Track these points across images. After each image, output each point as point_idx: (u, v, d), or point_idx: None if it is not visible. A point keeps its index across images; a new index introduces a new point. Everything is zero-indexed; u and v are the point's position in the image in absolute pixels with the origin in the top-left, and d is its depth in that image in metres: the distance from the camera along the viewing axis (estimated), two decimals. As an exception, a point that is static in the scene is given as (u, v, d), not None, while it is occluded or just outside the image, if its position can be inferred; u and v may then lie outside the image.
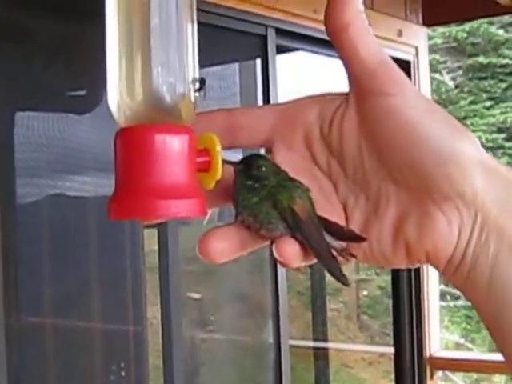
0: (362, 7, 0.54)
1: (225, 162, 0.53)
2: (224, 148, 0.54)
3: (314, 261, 0.55)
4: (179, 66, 0.51)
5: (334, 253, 0.55)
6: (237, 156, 0.56)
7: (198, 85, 0.52)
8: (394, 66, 0.54)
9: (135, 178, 0.49)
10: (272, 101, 3.48)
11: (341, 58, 0.55)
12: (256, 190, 0.54)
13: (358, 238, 0.55)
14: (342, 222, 0.56)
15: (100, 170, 3.03)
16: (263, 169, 0.54)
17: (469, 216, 0.51)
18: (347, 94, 0.56)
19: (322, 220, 0.54)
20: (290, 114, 0.57)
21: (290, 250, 0.53)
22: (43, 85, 2.89)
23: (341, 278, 0.54)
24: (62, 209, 2.98)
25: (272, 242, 0.54)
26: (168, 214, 0.49)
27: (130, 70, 0.51)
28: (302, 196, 0.54)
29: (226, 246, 0.54)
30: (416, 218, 0.53)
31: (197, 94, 0.53)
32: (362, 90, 0.54)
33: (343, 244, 0.55)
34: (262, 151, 0.60)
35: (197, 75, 0.53)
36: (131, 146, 0.50)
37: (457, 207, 0.51)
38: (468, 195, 0.51)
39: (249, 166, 0.54)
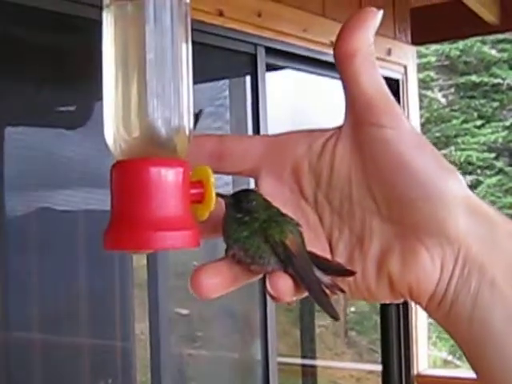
0: (372, 39, 0.55)
1: (217, 194, 0.54)
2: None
3: (305, 295, 0.55)
4: (175, 101, 0.52)
5: (324, 287, 0.55)
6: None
7: (195, 117, 0.53)
8: (392, 99, 0.55)
9: (131, 210, 0.50)
10: (261, 118, 3.49)
11: (342, 84, 0.56)
12: (246, 224, 0.54)
13: (346, 272, 0.55)
14: (327, 255, 0.57)
15: (89, 185, 3.03)
16: (254, 203, 0.54)
17: (451, 253, 0.52)
18: (340, 127, 0.56)
19: (311, 254, 0.55)
20: (279, 145, 0.58)
21: (284, 285, 0.54)
22: (33, 99, 2.89)
23: (332, 313, 0.54)
24: (51, 223, 2.98)
25: (264, 277, 0.55)
26: (164, 245, 0.50)
27: (126, 104, 0.52)
28: (293, 231, 0.54)
29: (217, 281, 0.54)
30: (399, 253, 0.54)
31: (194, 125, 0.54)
32: (358, 119, 0.55)
33: (332, 278, 0.56)
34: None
35: (191, 107, 0.54)
36: (127, 178, 0.51)
37: (440, 244, 0.52)
38: (451, 232, 0.52)
39: (239, 200, 0.54)
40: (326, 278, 0.55)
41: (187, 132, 0.53)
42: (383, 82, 0.56)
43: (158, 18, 0.52)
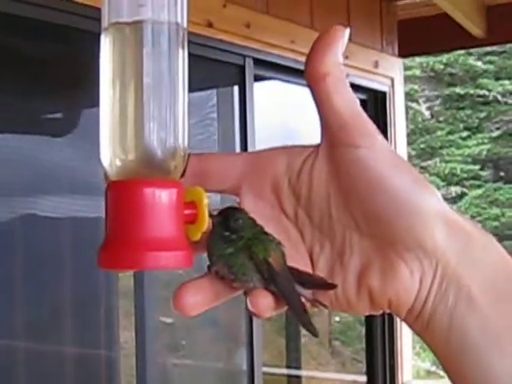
0: (341, 59, 0.56)
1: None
2: None
3: (285, 309, 0.56)
4: (171, 124, 0.53)
5: (305, 301, 0.56)
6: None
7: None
8: (366, 118, 0.56)
9: (125, 230, 0.51)
10: (249, 128, 3.50)
11: (316, 105, 0.57)
12: (232, 242, 0.55)
13: (327, 286, 0.57)
14: (308, 270, 0.58)
15: (74, 192, 3.03)
16: (240, 221, 0.55)
17: (430, 267, 0.53)
18: (317, 145, 0.57)
19: (292, 269, 0.56)
20: (259, 163, 0.59)
21: (264, 302, 0.55)
22: (19, 106, 2.89)
23: (311, 330, 0.56)
24: (35, 230, 2.97)
25: (245, 293, 0.56)
26: (157, 265, 0.51)
27: (123, 127, 0.53)
28: (276, 249, 0.56)
29: (199, 299, 0.55)
30: (379, 268, 0.55)
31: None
32: (333, 140, 0.56)
33: (313, 292, 0.57)
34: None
35: (187, 129, 0.55)
36: (122, 199, 0.52)
37: (418, 258, 0.53)
38: (429, 247, 0.53)
39: (226, 218, 0.55)
40: (307, 293, 0.56)
41: (183, 154, 0.54)
42: (356, 100, 0.56)
43: (155, 41, 0.53)
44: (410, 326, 0.56)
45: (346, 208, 0.56)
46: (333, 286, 0.56)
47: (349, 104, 0.56)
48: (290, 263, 0.56)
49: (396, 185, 0.54)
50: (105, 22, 0.54)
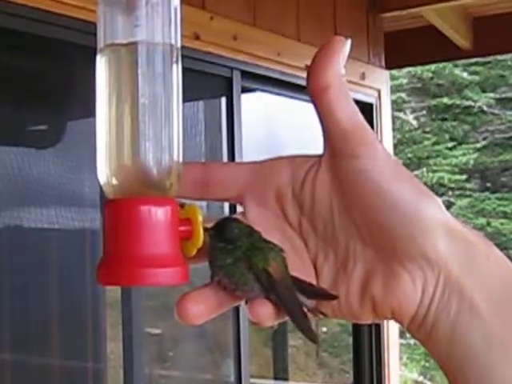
0: (343, 71, 0.56)
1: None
2: (196, 199, 0.57)
3: (286, 318, 0.57)
4: (166, 143, 0.54)
5: (306, 310, 0.57)
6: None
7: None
8: (368, 129, 0.56)
9: (123, 247, 0.52)
10: (236, 140, 3.52)
11: (318, 117, 0.57)
12: (230, 252, 0.56)
13: (329, 296, 0.57)
14: (312, 278, 0.58)
15: (61, 204, 3.03)
16: (235, 231, 0.56)
17: (432, 276, 0.54)
18: (320, 155, 0.58)
19: (295, 279, 0.57)
20: (263, 172, 0.60)
21: (264, 312, 0.56)
22: (5, 118, 2.89)
23: (312, 337, 0.56)
24: (21, 242, 2.97)
25: (246, 302, 0.57)
26: (155, 281, 0.53)
27: (119, 146, 0.54)
28: (276, 257, 0.56)
29: (202, 308, 0.56)
30: (382, 277, 0.56)
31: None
32: (336, 150, 0.56)
33: (315, 302, 0.57)
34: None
35: (181, 147, 0.56)
36: (118, 217, 0.53)
37: (421, 267, 0.54)
38: (431, 256, 0.54)
39: (221, 230, 0.56)
40: (308, 302, 0.57)
41: (177, 172, 0.55)
42: (358, 112, 0.57)
43: (150, 62, 0.54)
44: (414, 334, 0.57)
45: (348, 218, 0.57)
46: (334, 297, 0.57)
47: (350, 115, 0.56)
48: (294, 272, 0.57)
49: (397, 194, 0.54)
50: (100, 43, 0.55)
